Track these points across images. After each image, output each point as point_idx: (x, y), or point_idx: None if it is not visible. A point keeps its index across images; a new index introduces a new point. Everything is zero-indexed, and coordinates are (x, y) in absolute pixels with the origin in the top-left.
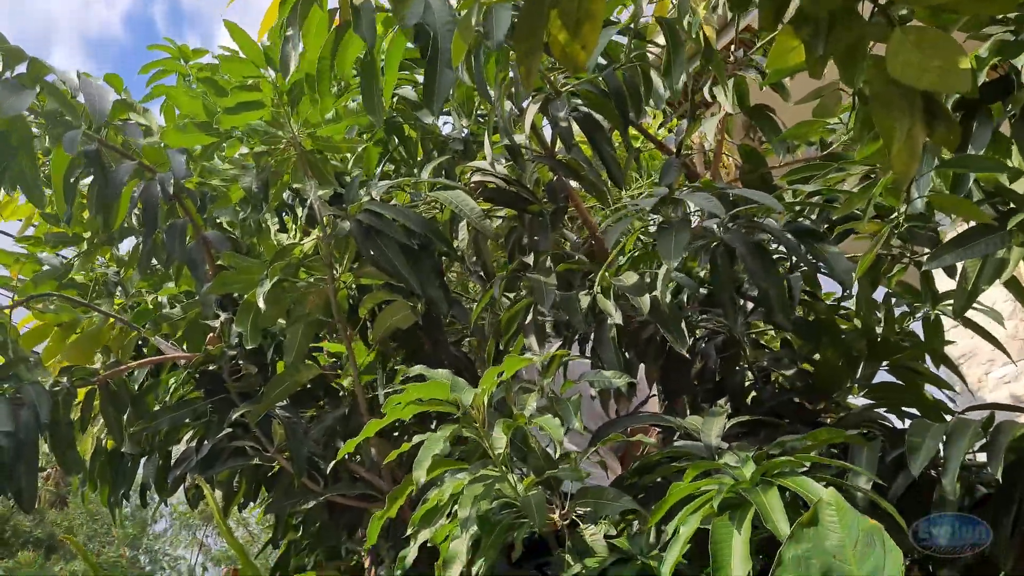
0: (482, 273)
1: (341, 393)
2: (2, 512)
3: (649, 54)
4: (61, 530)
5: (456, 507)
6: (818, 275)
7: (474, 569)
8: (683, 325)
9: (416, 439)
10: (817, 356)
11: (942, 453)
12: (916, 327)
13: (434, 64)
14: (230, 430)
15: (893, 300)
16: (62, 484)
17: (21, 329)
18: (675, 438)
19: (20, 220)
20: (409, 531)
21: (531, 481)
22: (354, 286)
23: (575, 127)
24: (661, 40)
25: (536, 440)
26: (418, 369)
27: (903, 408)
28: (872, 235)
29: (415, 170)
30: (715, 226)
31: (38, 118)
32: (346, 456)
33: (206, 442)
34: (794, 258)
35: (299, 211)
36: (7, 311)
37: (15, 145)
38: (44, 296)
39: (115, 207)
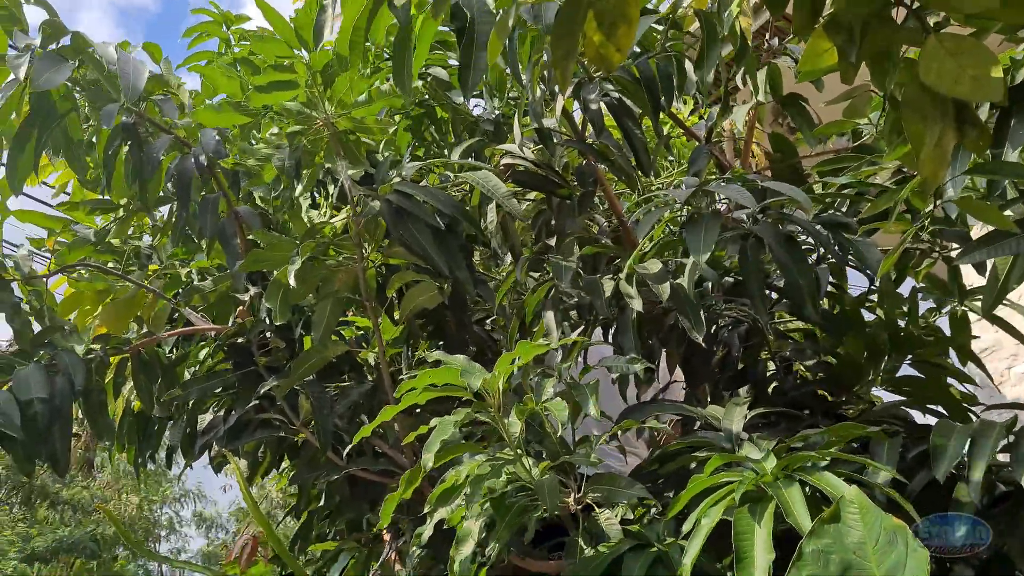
0: (509, 255)
1: (366, 368)
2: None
3: (684, 43)
4: (89, 493)
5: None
6: (845, 268)
7: (488, 549)
8: (702, 313)
9: (433, 422)
10: (840, 348)
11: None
12: (940, 321)
13: (470, 47)
14: (257, 402)
15: (920, 295)
16: (90, 448)
17: (56, 293)
18: (696, 427)
19: (54, 187)
20: (426, 509)
21: (546, 465)
22: (382, 265)
23: (605, 111)
24: (695, 27)
25: (552, 425)
26: (436, 355)
27: (926, 403)
28: (902, 232)
29: (445, 151)
30: (744, 217)
31: (80, 90)
32: (372, 432)
33: (233, 413)
34: (822, 250)
35: (330, 189)
36: (44, 279)
37: (60, 113)
38: (79, 265)
39: (152, 179)
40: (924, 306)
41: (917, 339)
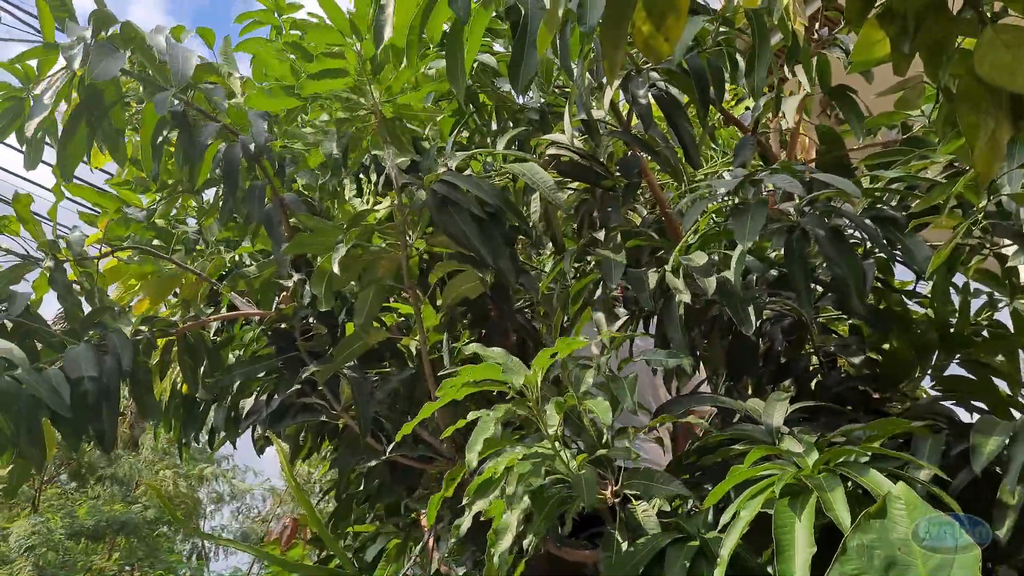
0: (551, 243)
1: (407, 355)
2: (82, 449)
3: (735, 38)
4: (135, 470)
5: (507, 480)
6: (893, 263)
7: (525, 542)
8: (751, 307)
9: (471, 415)
10: (886, 345)
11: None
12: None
13: (522, 43)
14: (299, 387)
15: (972, 289)
16: (136, 427)
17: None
18: (735, 420)
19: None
20: (464, 501)
21: (583, 458)
22: (426, 253)
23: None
24: (746, 22)
25: (590, 417)
26: (474, 347)
27: (973, 402)
28: (953, 227)
29: (489, 138)
30: (791, 209)
31: (129, 79)
32: (408, 418)
33: (276, 397)
34: (869, 244)
35: (374, 176)
36: (95, 260)
37: (108, 103)
38: (129, 247)
39: (199, 165)
40: (974, 304)
41: (967, 338)
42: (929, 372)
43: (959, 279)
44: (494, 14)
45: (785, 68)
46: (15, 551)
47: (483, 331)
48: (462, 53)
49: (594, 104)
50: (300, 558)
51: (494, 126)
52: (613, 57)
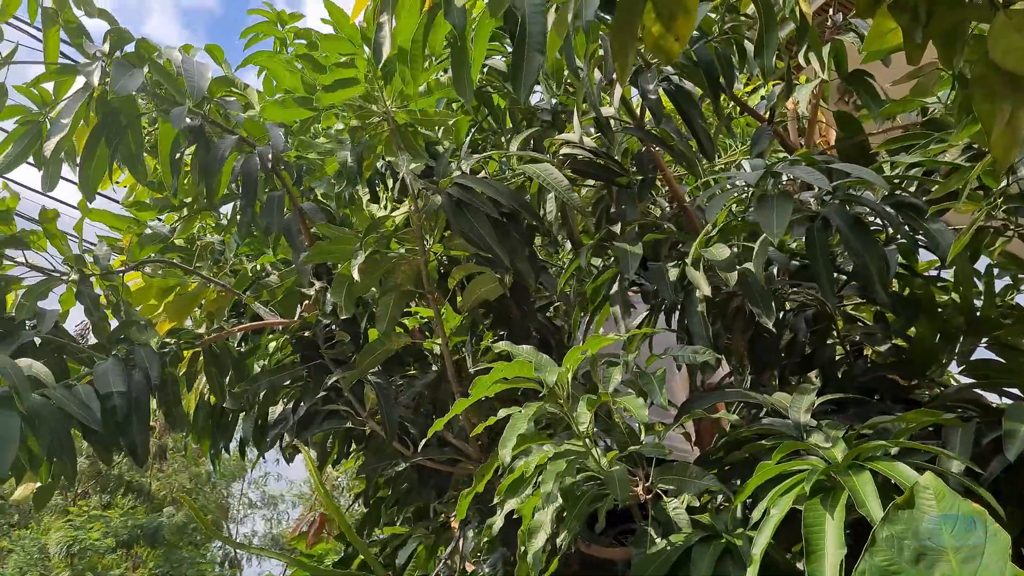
0: (569, 242)
1: (430, 358)
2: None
3: (742, 24)
4: (162, 483)
5: (541, 477)
6: (916, 248)
7: (559, 540)
8: (772, 298)
9: (502, 413)
10: (912, 331)
11: None
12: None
13: (522, 48)
14: (324, 394)
15: (996, 272)
16: (163, 437)
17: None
18: (762, 414)
19: (125, 187)
20: (496, 500)
21: (614, 455)
22: (444, 257)
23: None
24: (752, 9)
25: (619, 413)
26: (503, 346)
27: (1002, 386)
28: (974, 211)
29: (503, 139)
30: (812, 199)
31: (145, 95)
32: (433, 420)
33: (302, 405)
34: (891, 230)
35: (390, 182)
36: (120, 275)
37: (124, 124)
38: (152, 262)
39: (217, 178)
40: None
41: (993, 321)
42: (957, 357)
43: (983, 262)
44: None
45: (800, 56)
46: (56, 558)
47: (504, 332)
48: (467, 63)
49: (605, 101)
50: (325, 553)
51: (509, 127)
52: (624, 59)
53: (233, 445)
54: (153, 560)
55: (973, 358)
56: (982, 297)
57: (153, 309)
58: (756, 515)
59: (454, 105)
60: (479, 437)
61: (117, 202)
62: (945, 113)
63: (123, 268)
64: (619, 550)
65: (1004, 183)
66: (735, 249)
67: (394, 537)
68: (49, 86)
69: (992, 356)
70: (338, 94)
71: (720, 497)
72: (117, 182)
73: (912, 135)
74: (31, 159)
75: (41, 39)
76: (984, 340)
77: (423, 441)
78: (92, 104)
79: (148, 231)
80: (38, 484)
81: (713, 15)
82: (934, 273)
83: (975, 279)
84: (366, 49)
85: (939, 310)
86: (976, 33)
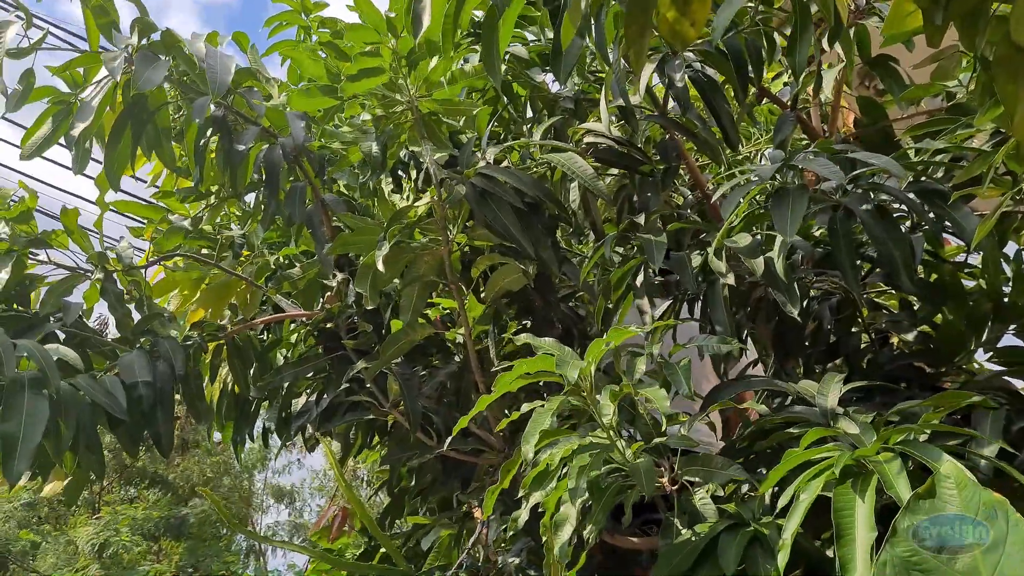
0: (592, 232)
1: (453, 348)
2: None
3: (774, 17)
4: (184, 473)
5: (566, 470)
6: (942, 235)
7: (585, 532)
8: (796, 287)
9: (525, 407)
10: (939, 318)
11: None
12: None
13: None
14: (347, 385)
15: None
16: (186, 429)
17: (153, 280)
18: (788, 403)
19: (147, 176)
20: (521, 493)
21: (639, 447)
22: (467, 247)
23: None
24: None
25: (644, 405)
26: (525, 338)
27: None
28: (999, 196)
29: (524, 128)
30: (833, 187)
31: (171, 84)
32: (457, 411)
33: (325, 396)
34: (916, 217)
35: (413, 172)
36: (142, 269)
37: (152, 109)
38: (175, 254)
39: (241, 168)
40: None
41: (1021, 307)
42: (984, 344)
43: (1012, 248)
44: (527, 2)
45: (824, 41)
46: (86, 553)
47: (528, 322)
48: (497, 42)
49: (632, 90)
50: (347, 546)
51: (529, 115)
52: (639, 44)
53: (256, 434)
54: (178, 553)
55: (1001, 345)
56: (1010, 283)
57: (187, 300)
58: (784, 500)
59: (474, 95)
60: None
61: (140, 197)
62: (967, 96)
63: (149, 263)
64: (644, 540)
65: None
66: (759, 237)
67: (417, 527)
68: (82, 70)
69: (1020, 343)
70: (362, 83)
71: (746, 487)
72: (138, 177)
73: (937, 120)
74: (61, 155)
75: (64, 38)
76: (1012, 327)
77: (449, 436)
78: (118, 90)
79: (174, 221)
80: (68, 478)
81: (750, 4)
82: (962, 259)
83: (1003, 265)
84: (391, 39)
85: (966, 296)
86: (998, 14)
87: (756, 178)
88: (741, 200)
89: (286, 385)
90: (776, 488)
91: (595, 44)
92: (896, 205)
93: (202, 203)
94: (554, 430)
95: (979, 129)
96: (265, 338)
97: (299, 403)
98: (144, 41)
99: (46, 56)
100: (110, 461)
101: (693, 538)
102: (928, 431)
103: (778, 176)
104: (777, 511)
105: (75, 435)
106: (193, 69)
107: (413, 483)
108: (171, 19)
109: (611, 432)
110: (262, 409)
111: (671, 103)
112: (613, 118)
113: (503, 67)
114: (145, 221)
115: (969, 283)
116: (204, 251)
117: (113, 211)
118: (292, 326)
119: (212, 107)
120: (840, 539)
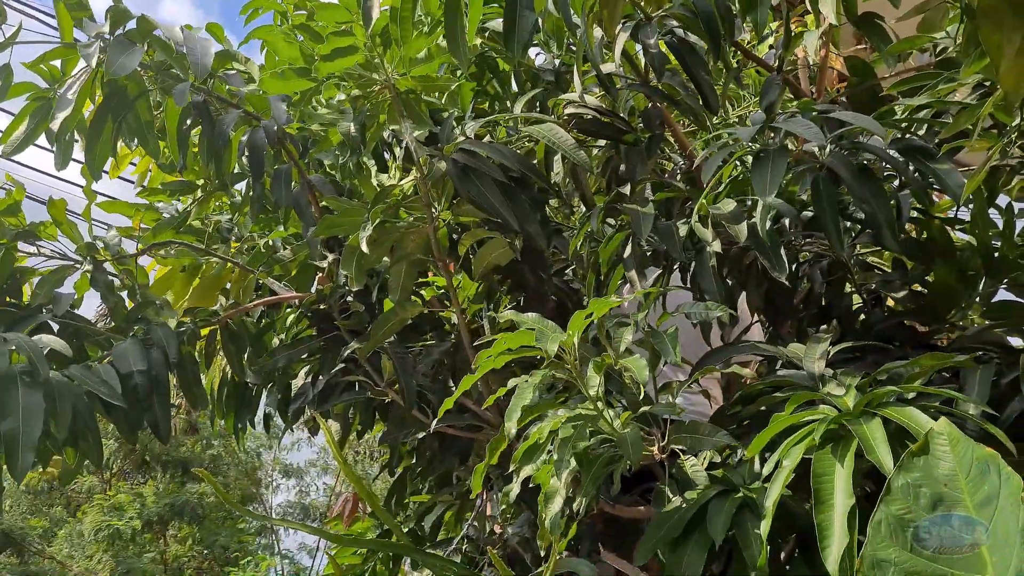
0: (582, 204)
1: (447, 326)
2: (141, 439)
3: None
4: (195, 454)
5: (554, 444)
6: (930, 191)
7: (576, 504)
8: (782, 251)
9: (511, 383)
10: (930, 276)
11: None
12: None
13: (513, 6)
14: (343, 365)
15: (1016, 211)
16: (193, 413)
17: (150, 274)
18: (778, 367)
19: (134, 176)
20: (511, 468)
21: (627, 416)
22: (455, 224)
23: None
24: None
25: (631, 375)
26: (509, 315)
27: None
28: (987, 149)
29: (509, 103)
30: (816, 149)
31: (148, 72)
32: (452, 388)
33: (321, 377)
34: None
35: (397, 151)
36: (133, 258)
37: (132, 98)
38: (166, 244)
39: (225, 154)
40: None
41: (1013, 262)
42: (978, 301)
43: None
44: None
45: (807, 1)
46: (92, 540)
47: (522, 298)
48: (461, 22)
49: (606, 57)
50: (363, 531)
51: (515, 91)
52: (613, 8)
53: (259, 420)
54: (190, 535)
55: (995, 300)
56: (1000, 237)
57: (180, 295)
58: (768, 468)
59: (457, 72)
60: (498, 401)
61: (130, 184)
62: (956, 49)
63: (140, 251)
64: (643, 509)
65: (1018, 119)
66: (748, 203)
67: (420, 505)
68: (58, 63)
69: (1016, 299)
70: (337, 63)
71: (740, 452)
72: (125, 178)
73: (924, 75)
74: (43, 137)
75: (39, 18)
76: (1004, 281)
77: (440, 412)
78: (97, 81)
79: (164, 217)
80: (58, 458)
81: None
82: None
83: (994, 219)
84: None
85: (956, 253)
86: None
87: (733, 140)
88: (722, 164)
89: (282, 367)
90: (767, 452)
91: (559, 11)
92: (883, 164)
93: (190, 197)
94: (540, 404)
95: (962, 83)
96: (259, 322)
97: (297, 385)
98: (120, 30)
99: (23, 50)
100: (117, 447)
101: (683, 505)
102: (914, 392)
103: (759, 139)
104: (765, 476)
105: (70, 424)
106: (170, 55)
107: (415, 461)
108: (164, 9)
109: (598, 403)
110: (263, 395)
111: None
112: (595, 88)
113: (483, 41)
114: (131, 218)
115: (965, 237)
116: (194, 242)
117: (102, 198)
118: (287, 309)
119: (191, 94)
120: (819, 505)
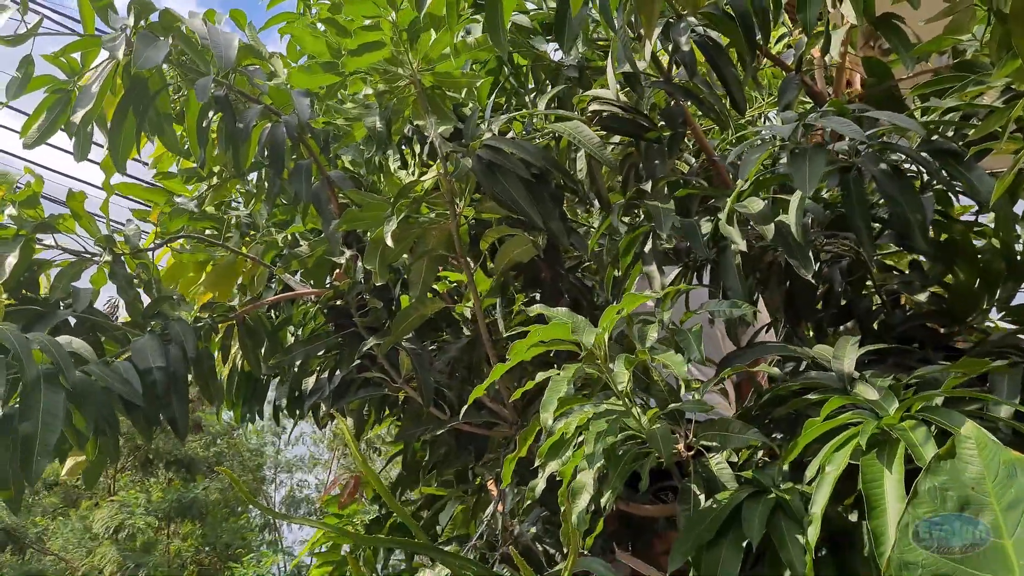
0: (597, 201)
1: (462, 322)
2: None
3: None
4: (198, 454)
5: (582, 438)
6: (956, 196)
7: (603, 500)
8: (808, 250)
9: (540, 377)
10: (950, 278)
11: None
12: None
13: (564, 2)
14: (359, 362)
15: None
16: (197, 408)
17: (159, 262)
18: (802, 368)
19: (149, 159)
20: (537, 463)
21: (655, 413)
22: (475, 220)
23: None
24: None
25: (658, 371)
26: (538, 308)
27: None
28: (1014, 152)
29: (527, 99)
30: (845, 148)
31: (170, 64)
32: (468, 384)
33: (338, 373)
34: (927, 177)
35: (418, 147)
36: (149, 252)
37: (153, 91)
38: (180, 236)
39: (244, 148)
40: None
41: None
42: (997, 303)
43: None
44: None
45: (828, 1)
46: (101, 536)
47: (536, 294)
48: (501, 12)
49: (639, 56)
50: (354, 513)
51: (531, 86)
52: (650, 9)
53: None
54: (193, 533)
55: (1015, 303)
56: (1022, 241)
57: (192, 283)
58: (811, 472)
59: (475, 67)
60: (515, 399)
61: (143, 180)
62: (981, 52)
63: (155, 244)
64: (659, 507)
65: None
66: (768, 203)
67: (432, 499)
68: (77, 55)
69: None
70: (364, 58)
71: (760, 452)
72: (140, 160)
73: (945, 78)
74: (64, 140)
75: (58, 20)
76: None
77: (464, 408)
78: (119, 74)
79: (178, 202)
80: (82, 457)
81: None
82: (971, 218)
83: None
84: (392, 13)
85: (978, 256)
86: None
87: (772, 137)
88: (757, 159)
89: (298, 363)
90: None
91: (599, 10)
92: (907, 165)
93: (204, 184)
94: (570, 398)
95: (990, 85)
96: (275, 317)
97: (310, 381)
98: (142, 22)
99: (44, 42)
100: (124, 444)
101: (714, 506)
102: (943, 396)
103: (792, 137)
104: (805, 481)
105: (94, 422)
106: (193, 48)
107: (427, 456)
108: (167, 0)
109: (627, 399)
110: (272, 385)
111: (677, 68)
112: (619, 84)
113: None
114: (150, 205)
115: (978, 242)
116: (208, 232)
117: (117, 195)
118: (302, 305)
119: (213, 87)
120: (872, 511)
